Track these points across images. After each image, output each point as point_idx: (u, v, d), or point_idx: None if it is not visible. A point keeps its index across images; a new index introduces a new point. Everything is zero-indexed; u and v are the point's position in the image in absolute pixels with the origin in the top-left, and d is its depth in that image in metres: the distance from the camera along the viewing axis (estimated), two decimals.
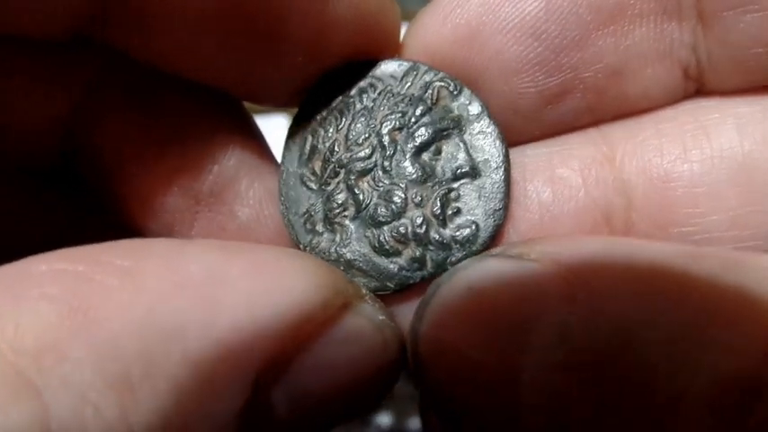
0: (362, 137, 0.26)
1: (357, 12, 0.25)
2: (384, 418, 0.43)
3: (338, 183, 0.26)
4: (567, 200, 0.26)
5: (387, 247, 0.26)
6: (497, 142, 0.26)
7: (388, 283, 0.26)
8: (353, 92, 0.27)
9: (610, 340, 0.18)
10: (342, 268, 0.26)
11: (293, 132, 0.28)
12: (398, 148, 0.26)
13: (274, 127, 0.29)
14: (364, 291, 0.24)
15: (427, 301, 0.21)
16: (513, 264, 0.20)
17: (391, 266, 0.26)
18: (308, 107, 0.28)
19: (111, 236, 0.21)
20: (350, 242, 0.26)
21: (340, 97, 0.27)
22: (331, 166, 0.27)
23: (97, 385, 0.16)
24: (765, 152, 0.25)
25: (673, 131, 0.26)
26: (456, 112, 0.26)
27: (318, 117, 0.28)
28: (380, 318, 0.22)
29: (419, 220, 0.25)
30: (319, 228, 0.27)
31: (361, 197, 0.26)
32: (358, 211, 0.26)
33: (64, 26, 0.24)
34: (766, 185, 0.25)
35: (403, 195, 0.26)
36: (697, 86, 0.27)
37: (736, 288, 0.18)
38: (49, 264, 0.18)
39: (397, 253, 0.26)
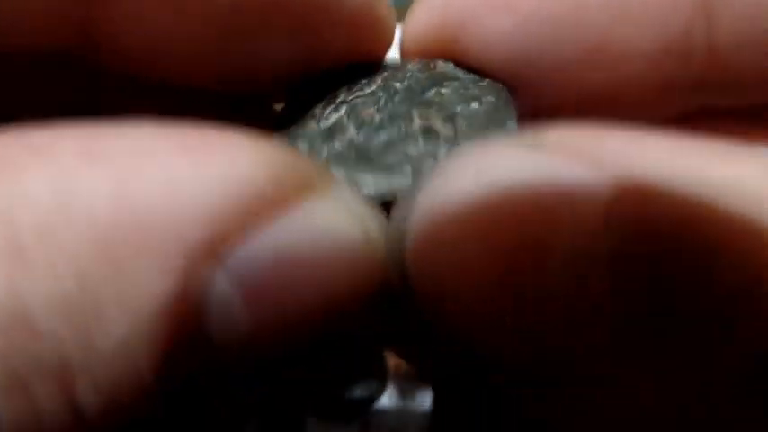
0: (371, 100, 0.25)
1: None
2: (386, 399, 0.43)
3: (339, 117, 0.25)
4: None
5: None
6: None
7: None
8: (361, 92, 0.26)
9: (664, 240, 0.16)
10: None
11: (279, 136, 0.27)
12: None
13: None
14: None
15: (418, 189, 0.18)
16: (530, 153, 0.18)
17: None
18: (295, 114, 0.27)
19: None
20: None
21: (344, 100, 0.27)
22: (331, 107, 0.26)
23: None
24: None
25: None
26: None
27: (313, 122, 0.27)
28: (362, 207, 0.19)
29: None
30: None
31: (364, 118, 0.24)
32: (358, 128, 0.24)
33: None
34: None
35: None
36: None
37: None
38: None
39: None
